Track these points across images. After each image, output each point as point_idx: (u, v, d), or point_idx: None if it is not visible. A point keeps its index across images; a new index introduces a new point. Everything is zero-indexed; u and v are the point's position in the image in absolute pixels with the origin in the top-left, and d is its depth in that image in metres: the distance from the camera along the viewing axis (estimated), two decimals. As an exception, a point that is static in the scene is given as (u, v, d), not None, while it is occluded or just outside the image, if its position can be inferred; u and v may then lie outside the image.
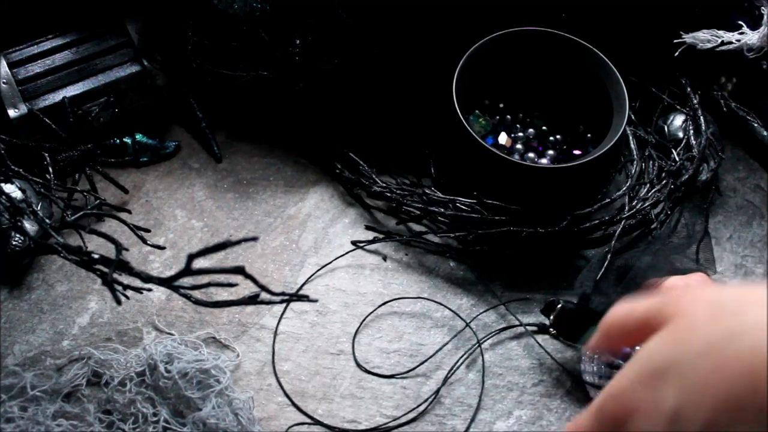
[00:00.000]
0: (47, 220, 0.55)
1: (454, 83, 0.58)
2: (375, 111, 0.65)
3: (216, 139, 0.67)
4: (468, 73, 0.60)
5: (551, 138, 0.66)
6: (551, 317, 0.54)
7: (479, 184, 0.59)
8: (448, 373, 0.55)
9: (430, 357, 0.55)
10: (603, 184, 0.62)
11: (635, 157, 0.63)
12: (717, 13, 0.65)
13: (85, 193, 0.60)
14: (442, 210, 0.59)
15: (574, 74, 0.63)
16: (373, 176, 0.63)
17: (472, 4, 0.62)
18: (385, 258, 0.61)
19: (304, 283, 0.59)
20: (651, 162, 0.63)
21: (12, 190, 0.56)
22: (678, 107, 0.67)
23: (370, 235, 0.62)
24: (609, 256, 0.53)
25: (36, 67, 0.62)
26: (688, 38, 0.63)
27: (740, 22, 0.63)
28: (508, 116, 0.67)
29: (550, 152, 0.64)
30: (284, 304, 0.58)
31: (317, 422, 0.52)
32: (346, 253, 0.61)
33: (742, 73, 0.69)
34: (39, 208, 0.56)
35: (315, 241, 0.62)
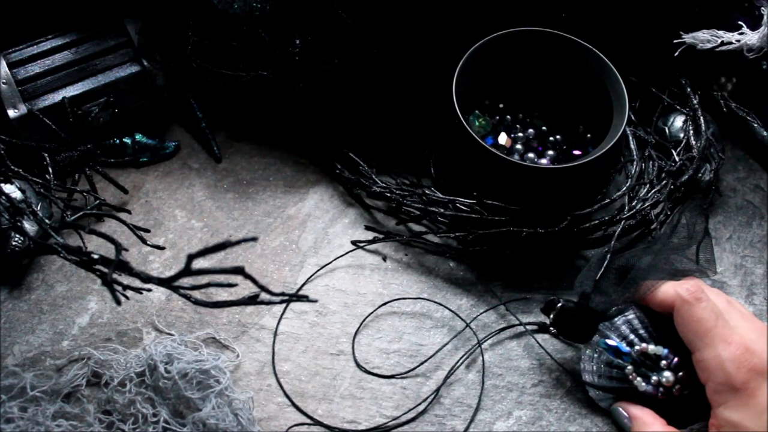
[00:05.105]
0: (47, 221, 0.55)
1: (454, 83, 0.58)
2: (375, 111, 0.65)
3: (216, 139, 0.67)
4: (468, 73, 0.60)
5: (551, 138, 0.66)
6: (551, 316, 0.54)
7: (479, 185, 0.59)
8: (447, 374, 0.55)
9: (430, 357, 0.55)
10: (603, 184, 0.62)
11: (635, 157, 0.63)
12: (717, 13, 0.65)
13: (84, 194, 0.60)
14: (442, 210, 0.59)
15: (574, 74, 0.63)
16: (373, 176, 0.63)
17: (472, 4, 0.62)
18: (385, 258, 0.61)
19: (303, 284, 0.59)
20: (651, 162, 0.63)
21: (12, 190, 0.55)
22: (678, 107, 0.67)
23: (370, 235, 0.62)
24: (608, 256, 0.53)
25: (36, 68, 0.62)
26: (688, 38, 0.63)
27: (740, 23, 0.63)
28: (508, 116, 0.67)
29: (550, 152, 0.64)
30: (284, 305, 0.58)
31: (317, 422, 0.52)
32: (346, 253, 0.61)
33: (742, 73, 0.69)
34: (39, 208, 0.56)
35: (315, 241, 0.62)
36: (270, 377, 0.54)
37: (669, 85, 0.68)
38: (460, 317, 0.58)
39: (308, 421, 0.52)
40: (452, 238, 0.61)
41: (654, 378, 0.49)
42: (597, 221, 0.59)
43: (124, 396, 0.50)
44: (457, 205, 0.59)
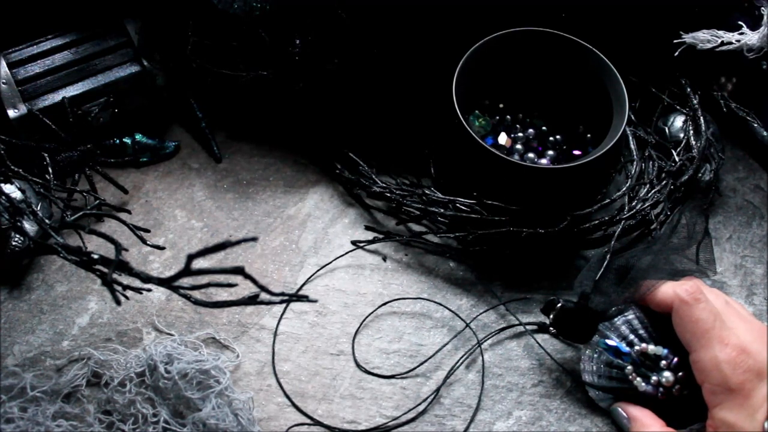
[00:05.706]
0: (47, 221, 0.55)
1: (454, 83, 0.58)
2: (375, 111, 0.65)
3: (216, 139, 0.67)
4: (468, 74, 0.60)
5: (551, 138, 0.66)
6: (551, 316, 0.54)
7: (479, 185, 0.59)
8: (447, 374, 0.55)
9: (430, 357, 0.55)
10: (603, 184, 0.62)
11: (635, 157, 0.63)
12: (717, 13, 0.65)
13: (84, 194, 0.60)
14: (442, 210, 0.59)
15: (574, 74, 0.63)
16: (373, 176, 0.63)
17: (472, 4, 0.62)
18: (384, 258, 0.61)
19: (303, 284, 0.59)
20: (651, 162, 0.63)
21: (12, 190, 0.55)
22: (678, 107, 0.67)
23: (370, 236, 0.62)
24: (608, 256, 0.53)
25: (36, 67, 0.62)
26: (688, 38, 0.63)
27: (740, 23, 0.63)
28: (508, 116, 0.67)
29: (550, 152, 0.64)
30: (284, 305, 0.58)
31: (317, 423, 0.52)
32: (346, 253, 0.61)
33: (742, 73, 0.69)
34: (39, 208, 0.56)
35: (315, 241, 0.62)
36: (270, 377, 0.54)
37: (669, 85, 0.68)
38: (460, 317, 0.58)
39: (308, 421, 0.52)
40: (452, 238, 0.61)
41: (654, 378, 0.49)
42: (597, 221, 0.59)
43: (124, 396, 0.50)
44: (457, 205, 0.59)
